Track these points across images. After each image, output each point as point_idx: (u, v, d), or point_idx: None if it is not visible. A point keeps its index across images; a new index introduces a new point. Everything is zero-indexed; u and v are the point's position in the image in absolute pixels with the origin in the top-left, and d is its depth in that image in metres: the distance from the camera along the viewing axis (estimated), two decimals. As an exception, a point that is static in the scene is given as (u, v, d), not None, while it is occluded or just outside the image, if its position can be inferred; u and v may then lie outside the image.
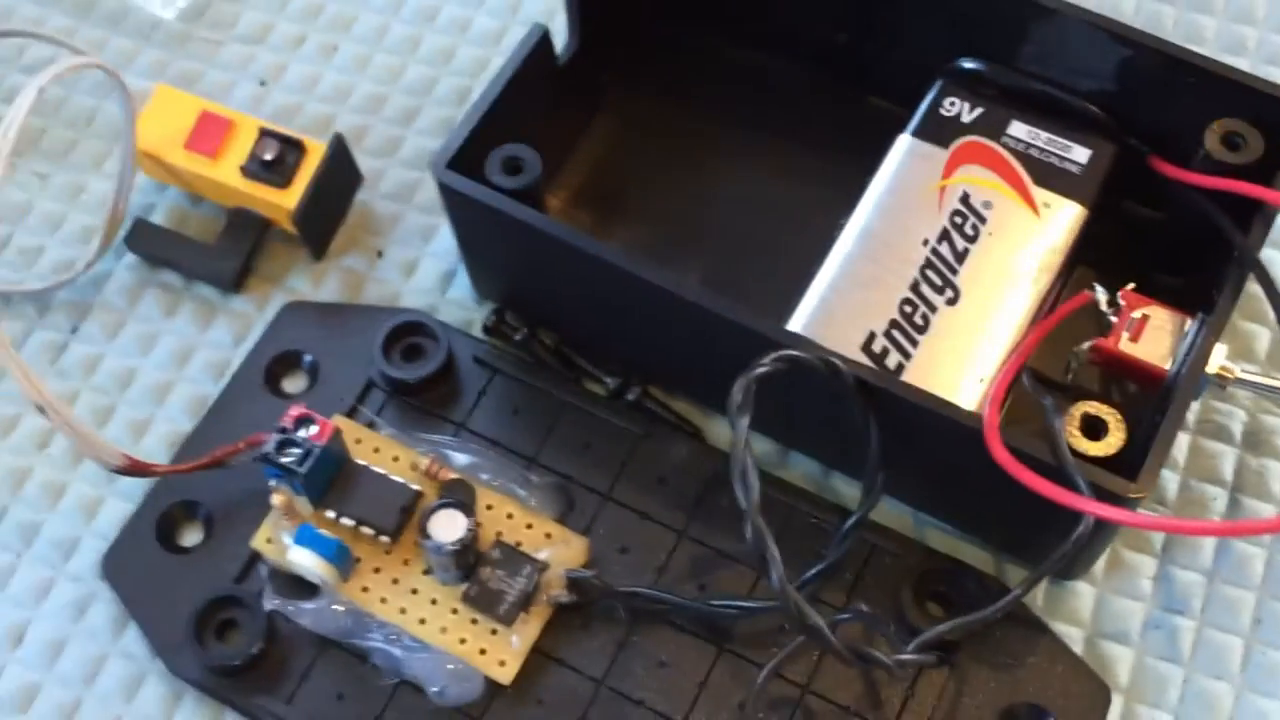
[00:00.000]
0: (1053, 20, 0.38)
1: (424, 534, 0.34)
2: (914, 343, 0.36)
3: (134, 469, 0.36)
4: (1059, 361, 0.38)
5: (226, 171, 0.41)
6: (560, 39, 0.41)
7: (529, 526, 0.36)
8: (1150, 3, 0.47)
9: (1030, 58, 0.39)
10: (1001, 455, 0.31)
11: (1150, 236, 0.40)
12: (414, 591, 0.36)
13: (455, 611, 0.35)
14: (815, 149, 0.42)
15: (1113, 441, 0.34)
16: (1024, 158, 0.38)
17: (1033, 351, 0.36)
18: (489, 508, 0.36)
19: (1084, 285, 0.37)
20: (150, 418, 0.40)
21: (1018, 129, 0.39)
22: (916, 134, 0.39)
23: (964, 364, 0.36)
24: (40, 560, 0.38)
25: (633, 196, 0.42)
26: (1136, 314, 0.36)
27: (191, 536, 0.38)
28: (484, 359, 0.40)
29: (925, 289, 0.37)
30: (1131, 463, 0.33)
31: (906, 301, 0.36)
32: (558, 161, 0.42)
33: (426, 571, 0.36)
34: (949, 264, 0.37)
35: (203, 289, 0.42)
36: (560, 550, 0.36)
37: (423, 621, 0.35)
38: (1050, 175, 0.38)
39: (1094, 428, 0.34)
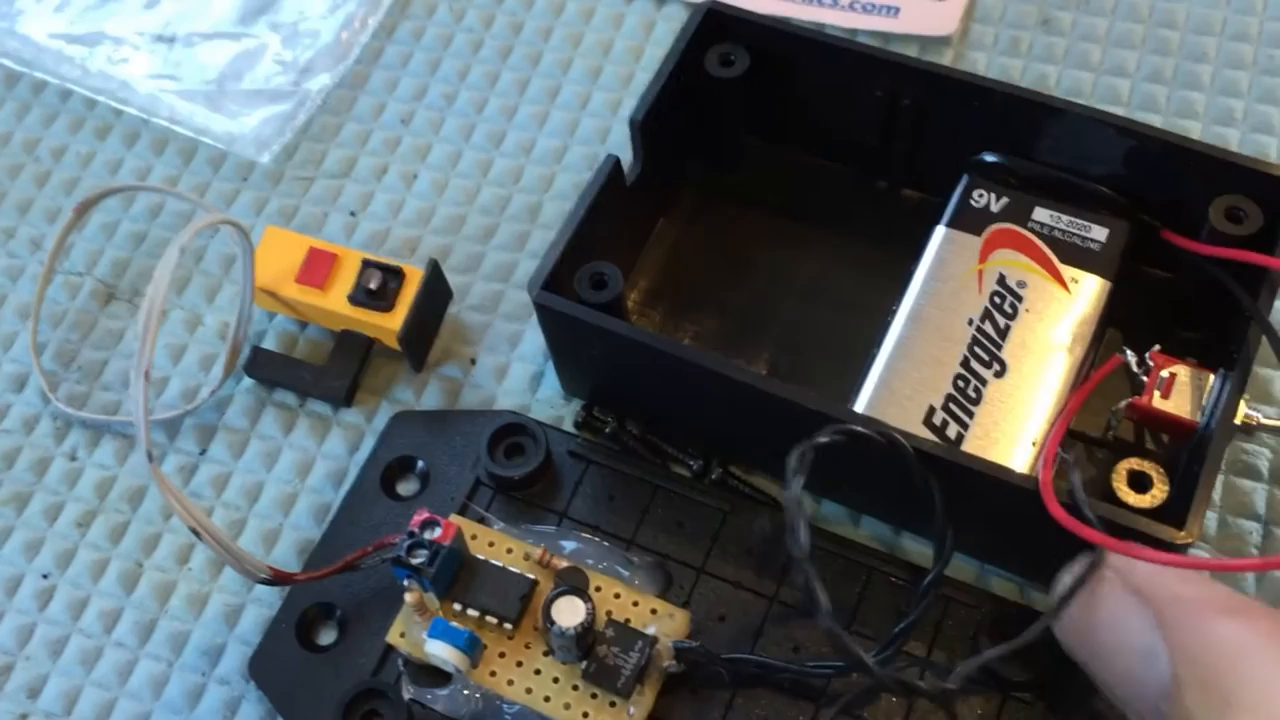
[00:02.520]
0: (1062, 118, 0.40)
1: (548, 620, 0.36)
2: (970, 414, 0.38)
3: (277, 579, 0.39)
4: (1097, 420, 0.40)
5: (335, 301, 0.43)
6: (625, 157, 0.43)
7: (635, 604, 0.38)
8: (1144, 84, 0.49)
9: (1046, 149, 0.41)
10: (1057, 511, 0.33)
11: (1170, 297, 0.42)
12: (537, 672, 0.37)
13: (576, 688, 0.37)
14: (860, 239, 0.45)
15: (1157, 494, 0.37)
16: (1049, 239, 0.40)
17: (1076, 413, 0.38)
18: (597, 589, 0.38)
19: (1115, 348, 0.39)
20: (279, 527, 0.43)
21: (1041, 214, 0.41)
22: (950, 224, 0.41)
23: (1016, 430, 0.38)
24: (190, 668, 0.40)
25: (697, 292, 0.45)
26: (1165, 373, 0.38)
27: (328, 635, 0.40)
28: (578, 452, 0.42)
29: (975, 364, 0.39)
30: (1171, 508, 0.35)
31: (959, 377, 0.39)
32: (628, 266, 0.45)
33: (547, 653, 0.38)
34: (994, 340, 0.39)
35: (316, 405, 0.44)
36: (665, 623, 0.38)
37: (547, 700, 0.37)
38: (1075, 253, 0.40)
39: (1140, 482, 0.37)
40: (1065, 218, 0.41)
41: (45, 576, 0.42)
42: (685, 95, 0.43)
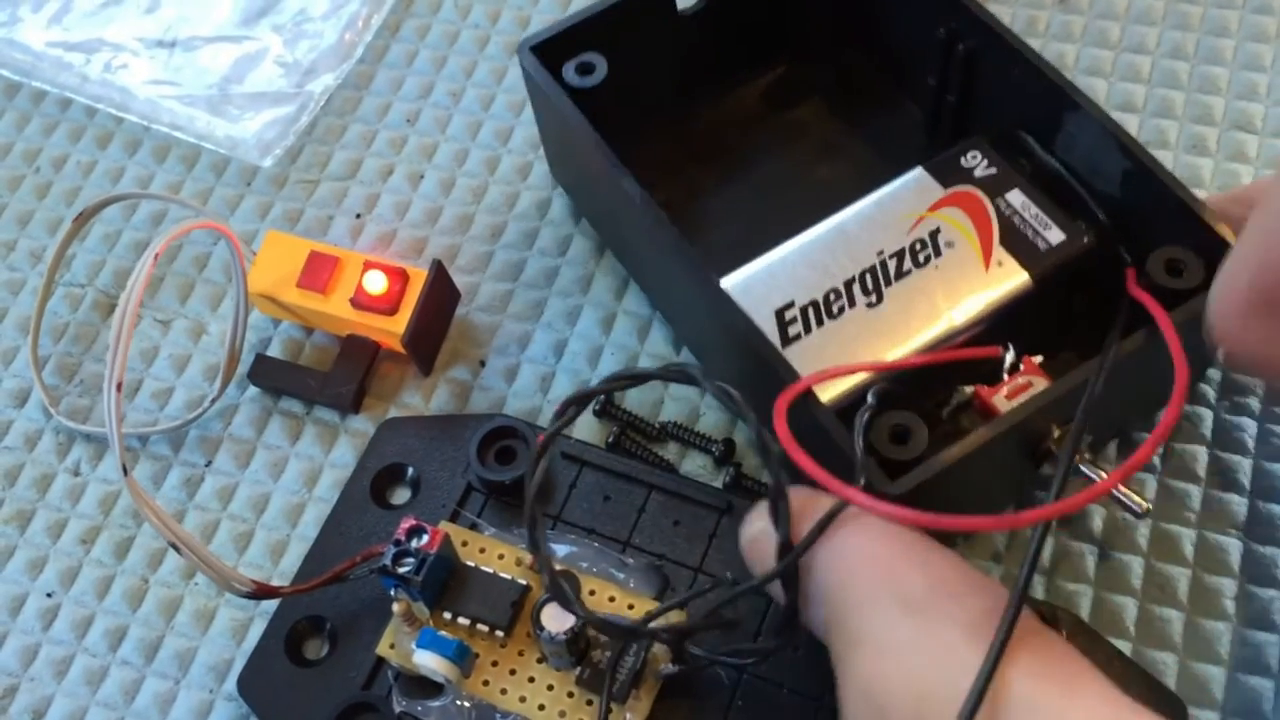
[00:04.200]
0: (1078, 114, 0.38)
1: (538, 626, 0.35)
2: (820, 324, 0.37)
3: (261, 592, 0.37)
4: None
5: (338, 305, 0.41)
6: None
7: (630, 607, 0.36)
8: (1164, 61, 0.47)
9: (1062, 146, 0.39)
10: (780, 428, 0.31)
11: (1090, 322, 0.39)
12: (530, 680, 0.36)
13: (571, 695, 0.35)
14: (889, 173, 0.42)
15: (913, 449, 0.33)
16: (1005, 220, 0.38)
17: (902, 368, 0.36)
18: (591, 593, 0.36)
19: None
20: (287, 538, 0.41)
21: (1015, 196, 0.39)
22: (928, 168, 0.40)
23: (849, 357, 0.36)
24: (197, 685, 0.39)
25: (723, 159, 0.45)
26: (1023, 379, 0.35)
27: (318, 649, 0.38)
28: (571, 453, 0.40)
29: (856, 288, 0.38)
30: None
31: (834, 290, 0.37)
32: (664, 106, 0.45)
33: (540, 660, 0.36)
34: (888, 276, 0.38)
35: (323, 412, 0.43)
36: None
37: (542, 708, 0.35)
38: (1018, 242, 0.38)
39: (900, 435, 0.33)
40: (1034, 209, 0.38)
41: (49, 595, 0.40)
42: None
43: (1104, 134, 0.37)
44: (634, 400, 0.42)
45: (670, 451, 0.41)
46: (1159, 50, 0.47)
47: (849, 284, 0.38)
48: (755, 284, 0.38)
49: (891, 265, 0.38)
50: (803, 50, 0.47)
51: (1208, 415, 0.40)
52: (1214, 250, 0.34)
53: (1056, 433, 0.35)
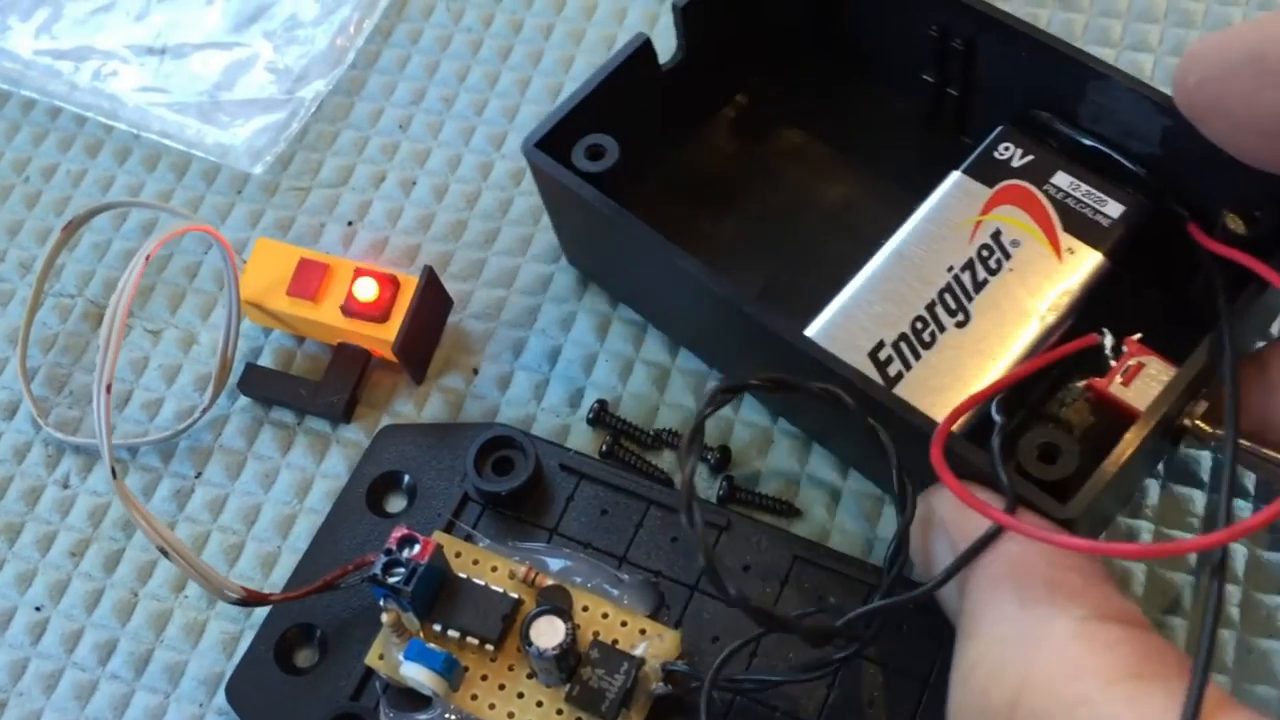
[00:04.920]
0: (1104, 83, 0.37)
1: (526, 641, 0.34)
2: (917, 356, 0.36)
3: (251, 600, 0.36)
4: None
5: (328, 313, 0.41)
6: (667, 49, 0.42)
7: (623, 624, 0.35)
8: (1174, 30, 0.46)
9: (1088, 116, 0.38)
10: (938, 462, 0.31)
11: (1176, 293, 0.39)
12: (520, 695, 0.35)
13: (560, 712, 0.34)
14: (899, 176, 0.43)
15: (1065, 467, 0.32)
16: (1060, 205, 0.38)
17: (1022, 378, 0.35)
18: (584, 609, 0.36)
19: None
20: (278, 550, 0.40)
21: (1061, 179, 0.38)
22: (966, 171, 0.39)
23: (957, 382, 0.36)
24: (188, 699, 0.38)
25: (722, 195, 0.44)
26: (1133, 361, 0.35)
27: (308, 658, 0.38)
28: (570, 465, 0.39)
29: (939, 310, 0.37)
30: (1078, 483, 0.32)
31: (919, 319, 0.36)
32: (658, 156, 0.44)
33: (530, 675, 0.35)
34: (966, 291, 0.37)
35: (315, 422, 0.42)
36: (655, 644, 0.35)
37: (528, 724, 0.35)
38: (1081, 224, 0.37)
39: (1049, 454, 0.33)
40: (1084, 187, 0.38)
41: (38, 609, 0.40)
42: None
43: (1137, 97, 0.37)
44: (629, 407, 0.41)
45: (665, 459, 0.40)
46: (1161, 48, 0.46)
47: (931, 308, 0.37)
48: (838, 331, 0.36)
49: (966, 279, 0.37)
50: (779, 73, 0.45)
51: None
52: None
53: (1196, 408, 0.34)
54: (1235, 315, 0.34)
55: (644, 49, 0.40)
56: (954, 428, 0.33)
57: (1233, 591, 0.37)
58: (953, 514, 0.32)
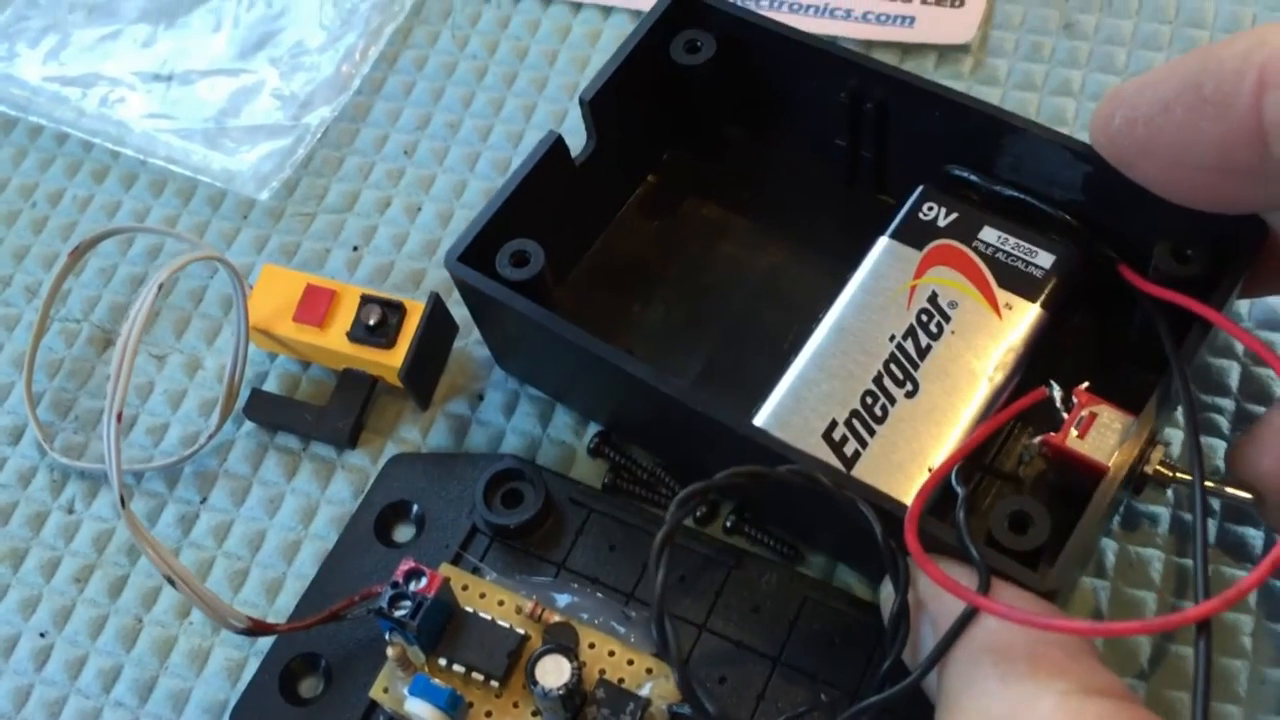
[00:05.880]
0: (1020, 136, 0.37)
1: (531, 680, 0.34)
2: (871, 433, 0.35)
3: (257, 629, 0.36)
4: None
5: (334, 339, 0.41)
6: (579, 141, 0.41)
7: (630, 663, 0.35)
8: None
9: (1007, 168, 0.38)
10: (914, 547, 0.31)
11: (1111, 337, 0.39)
12: (523, 733, 0.35)
13: (563, 752, 0.34)
14: (824, 243, 0.42)
15: (1036, 536, 0.32)
16: (991, 261, 0.37)
17: (979, 444, 0.35)
18: (591, 646, 0.35)
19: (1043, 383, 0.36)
20: (282, 576, 0.40)
21: (989, 234, 0.38)
22: (894, 235, 0.38)
23: (915, 455, 0.35)
24: (192, 726, 0.38)
25: (649, 279, 0.43)
26: (1085, 412, 0.35)
27: (313, 688, 0.37)
28: (579, 499, 0.39)
29: (887, 382, 0.36)
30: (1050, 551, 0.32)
31: (869, 393, 0.36)
32: (581, 248, 0.43)
33: (535, 713, 0.35)
34: (911, 359, 0.36)
35: (320, 448, 0.42)
36: (661, 685, 0.35)
37: (532, 763, 0.34)
38: (1014, 278, 0.37)
39: (1020, 522, 0.32)
40: (1013, 240, 0.38)
41: (42, 635, 0.40)
42: (650, 80, 0.41)
43: (1055, 147, 0.36)
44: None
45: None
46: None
47: (879, 381, 0.36)
48: (788, 415, 0.36)
49: (909, 346, 0.36)
50: (692, 149, 0.44)
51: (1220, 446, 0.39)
52: (1216, 230, 0.34)
53: (1153, 454, 0.34)
54: (1184, 359, 0.33)
55: (557, 146, 0.39)
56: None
57: (1245, 621, 0.36)
58: (931, 593, 0.31)
